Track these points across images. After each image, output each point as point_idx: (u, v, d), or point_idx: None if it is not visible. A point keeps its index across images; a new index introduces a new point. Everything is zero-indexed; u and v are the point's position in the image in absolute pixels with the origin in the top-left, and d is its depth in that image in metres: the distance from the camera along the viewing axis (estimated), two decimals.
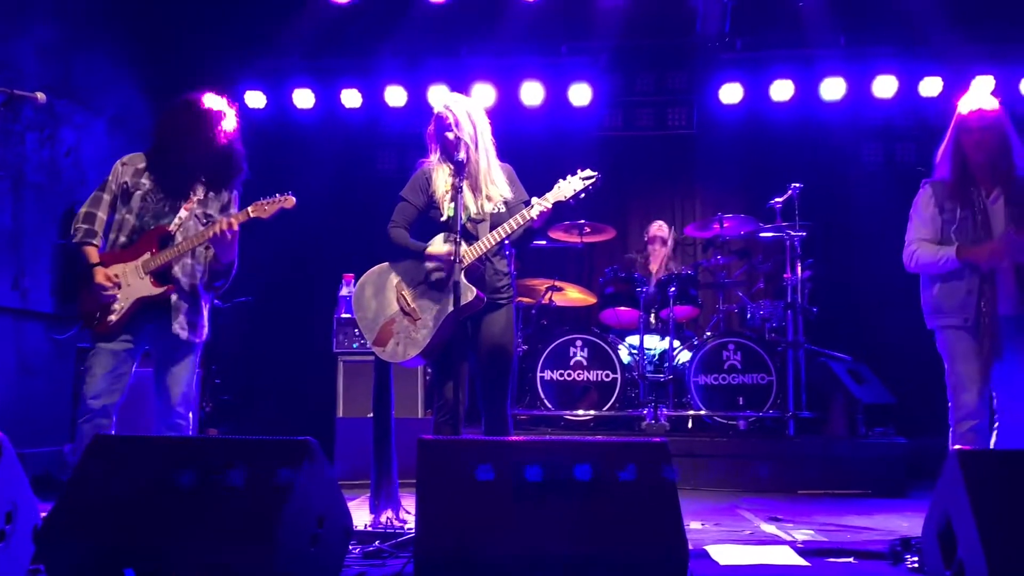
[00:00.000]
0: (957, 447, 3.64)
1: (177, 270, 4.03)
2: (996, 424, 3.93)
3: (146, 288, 3.97)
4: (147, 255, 3.99)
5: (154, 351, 4.08)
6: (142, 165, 4.11)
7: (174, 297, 4.00)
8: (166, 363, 4.04)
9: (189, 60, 7.78)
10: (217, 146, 4.11)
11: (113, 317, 3.93)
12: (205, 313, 4.15)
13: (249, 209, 4.04)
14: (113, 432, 3.91)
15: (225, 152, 4.15)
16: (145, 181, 4.07)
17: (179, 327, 3.99)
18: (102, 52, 7.12)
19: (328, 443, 6.18)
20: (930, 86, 7.70)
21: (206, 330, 4.16)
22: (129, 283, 3.96)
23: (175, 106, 4.17)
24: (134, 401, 4.29)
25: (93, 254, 3.99)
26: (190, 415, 4.09)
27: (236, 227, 3.97)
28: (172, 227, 4.04)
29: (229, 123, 4.14)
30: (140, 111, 7.72)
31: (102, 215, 4.06)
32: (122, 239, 4.02)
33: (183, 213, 4.05)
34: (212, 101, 4.14)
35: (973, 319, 3.85)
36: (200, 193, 4.12)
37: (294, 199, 4.08)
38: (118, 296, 3.93)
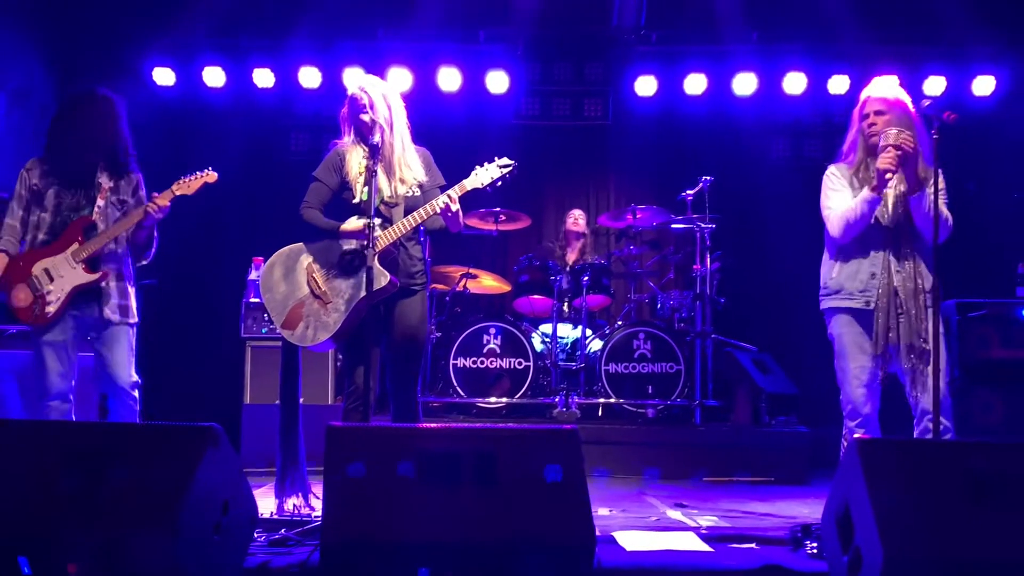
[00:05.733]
0: (856, 436, 3.73)
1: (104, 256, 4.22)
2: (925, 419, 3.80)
3: (80, 277, 4.14)
4: (75, 245, 4.15)
5: (92, 339, 4.24)
6: (46, 167, 4.25)
7: (104, 283, 4.18)
8: (105, 350, 4.21)
9: (96, 34, 7.51)
10: (105, 135, 4.26)
11: (51, 308, 4.10)
12: (133, 296, 4.32)
13: (173, 187, 4.24)
14: (72, 416, 4.23)
15: (113, 138, 4.28)
16: (54, 180, 4.22)
17: (110, 311, 4.19)
18: (4, 23, 6.82)
19: (235, 430, 6.07)
20: (838, 84, 7.88)
21: (136, 313, 4.33)
22: (61, 274, 4.13)
23: (61, 106, 4.35)
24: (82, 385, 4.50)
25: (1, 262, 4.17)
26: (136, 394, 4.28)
27: (167, 205, 4.19)
28: (95, 216, 4.20)
29: (111, 111, 4.28)
30: (44, 85, 7.43)
31: (12, 222, 4.23)
32: (42, 236, 4.18)
33: (100, 202, 4.22)
34: (94, 94, 4.29)
35: (875, 303, 3.81)
36: (107, 181, 4.26)
37: (216, 174, 4.31)
38: (52, 288, 4.11)
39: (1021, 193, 7.58)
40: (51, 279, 4.11)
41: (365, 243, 3.76)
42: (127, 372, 4.23)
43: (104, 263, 4.21)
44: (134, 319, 4.30)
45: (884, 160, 3.74)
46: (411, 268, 4.10)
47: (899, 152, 3.72)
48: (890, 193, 3.88)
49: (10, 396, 5.40)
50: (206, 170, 4.31)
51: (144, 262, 4.44)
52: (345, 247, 3.99)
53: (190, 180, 4.28)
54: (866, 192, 3.81)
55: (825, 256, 4.08)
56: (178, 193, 4.24)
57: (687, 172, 7.14)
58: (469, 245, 7.64)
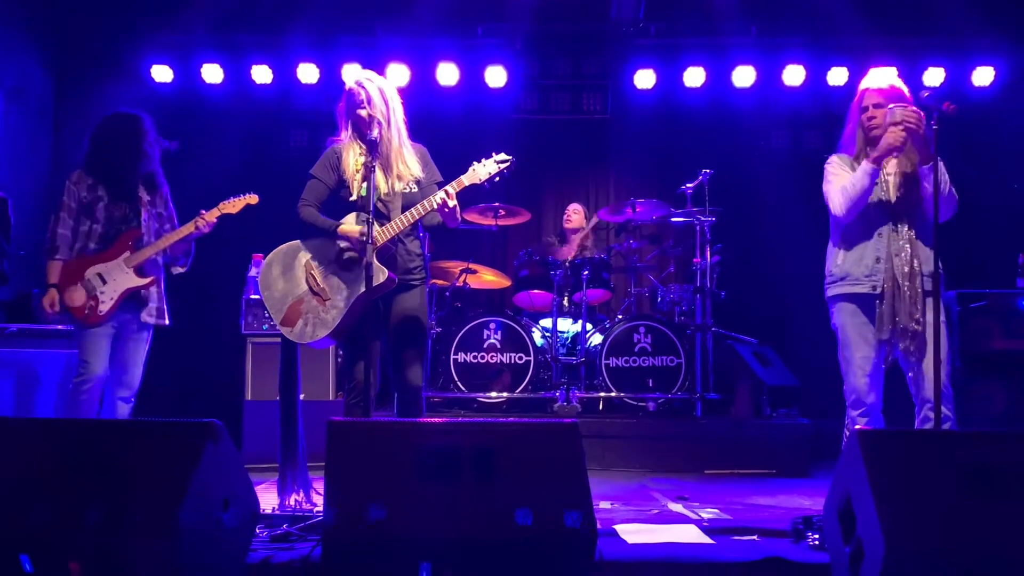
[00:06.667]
0: (857, 427, 3.73)
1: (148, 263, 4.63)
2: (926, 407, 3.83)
3: (132, 280, 4.55)
4: (127, 253, 4.55)
5: (122, 336, 4.59)
6: (91, 181, 4.59)
7: (147, 289, 4.59)
8: (131, 348, 4.61)
9: (93, 31, 7.50)
10: (141, 153, 4.62)
11: (104, 308, 4.48)
12: (164, 300, 4.75)
13: (221, 206, 4.65)
14: (98, 399, 4.52)
15: (147, 155, 4.66)
16: (102, 194, 4.58)
17: (147, 315, 4.62)
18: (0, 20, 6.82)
19: (236, 426, 6.06)
20: (837, 76, 7.89)
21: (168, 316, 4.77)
22: (115, 278, 4.52)
23: (105, 122, 4.66)
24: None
25: (54, 271, 4.50)
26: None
27: (214, 222, 4.63)
28: (143, 229, 4.60)
29: (143, 129, 4.64)
30: (41, 83, 7.42)
31: (64, 232, 4.54)
32: (93, 245, 4.55)
33: (144, 214, 4.63)
34: (127, 115, 4.65)
35: (881, 287, 3.82)
36: (146, 194, 4.67)
37: (257, 196, 4.73)
38: (104, 289, 4.48)
39: (1021, 183, 7.58)
40: (104, 281, 4.49)
41: (362, 245, 3.76)
42: (138, 372, 4.62)
43: (149, 270, 4.61)
44: (167, 321, 4.72)
45: (892, 135, 3.75)
46: (409, 264, 4.09)
47: (903, 130, 3.72)
48: (892, 178, 3.89)
49: (5, 394, 5.43)
50: (249, 193, 4.72)
51: (182, 270, 4.81)
52: (342, 244, 3.99)
53: (235, 201, 4.69)
54: (866, 164, 3.83)
55: (830, 245, 4.09)
56: (224, 212, 4.65)
57: (687, 165, 7.12)
58: (469, 240, 7.64)
